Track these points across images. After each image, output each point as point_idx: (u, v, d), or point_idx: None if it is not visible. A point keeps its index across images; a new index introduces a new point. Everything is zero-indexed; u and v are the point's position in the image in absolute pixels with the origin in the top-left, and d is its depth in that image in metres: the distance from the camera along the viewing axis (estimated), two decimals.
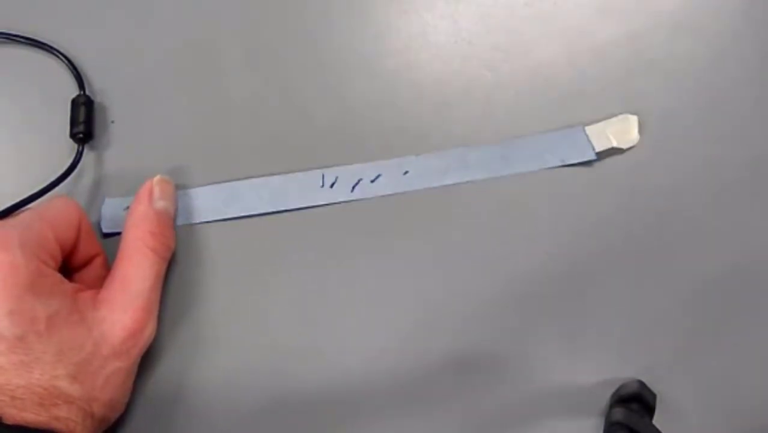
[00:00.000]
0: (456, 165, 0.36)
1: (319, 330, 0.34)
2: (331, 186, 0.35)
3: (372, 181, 0.36)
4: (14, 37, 0.37)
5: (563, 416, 0.33)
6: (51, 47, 0.37)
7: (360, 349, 0.34)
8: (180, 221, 0.35)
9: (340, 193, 0.35)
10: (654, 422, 0.31)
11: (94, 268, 0.34)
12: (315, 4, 0.38)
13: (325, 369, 0.34)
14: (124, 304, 0.31)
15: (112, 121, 0.37)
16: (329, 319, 0.34)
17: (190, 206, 0.36)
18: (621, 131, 0.36)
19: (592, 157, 0.35)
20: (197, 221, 0.35)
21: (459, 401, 0.33)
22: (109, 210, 0.35)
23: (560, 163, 0.36)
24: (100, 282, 0.32)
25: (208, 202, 0.36)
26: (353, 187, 0.36)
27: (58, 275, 0.31)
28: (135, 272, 0.32)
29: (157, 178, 0.34)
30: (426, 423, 0.33)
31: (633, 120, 0.36)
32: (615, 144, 0.35)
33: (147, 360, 0.33)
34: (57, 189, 0.34)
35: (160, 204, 0.33)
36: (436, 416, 0.33)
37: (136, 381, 0.33)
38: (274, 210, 0.35)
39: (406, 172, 0.36)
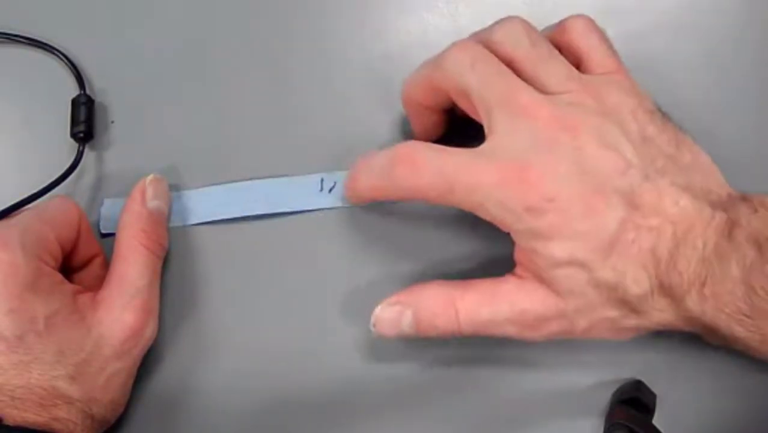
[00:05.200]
0: None
1: (317, 333, 0.34)
2: (330, 191, 0.35)
3: None
4: (14, 37, 0.37)
5: (563, 416, 0.33)
6: (51, 47, 0.37)
7: (359, 350, 0.34)
8: (178, 223, 0.35)
9: (339, 198, 0.35)
10: (654, 422, 0.31)
11: (94, 268, 0.34)
12: (314, 5, 0.38)
13: (324, 371, 0.34)
14: (122, 303, 0.31)
15: (112, 121, 0.37)
16: (328, 322, 0.34)
17: (189, 208, 0.35)
18: None
19: None
20: (195, 223, 0.35)
21: (458, 401, 0.33)
22: (108, 210, 0.35)
23: None
24: (99, 282, 0.32)
25: (206, 204, 0.35)
26: None
27: (59, 275, 0.31)
28: (131, 270, 0.32)
29: (150, 177, 0.34)
30: (426, 423, 0.33)
31: None
32: None
33: (147, 362, 0.33)
34: (57, 189, 0.34)
35: (154, 203, 0.33)
36: (435, 417, 0.33)
37: (137, 383, 0.33)
38: (273, 213, 0.35)
39: None
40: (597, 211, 0.27)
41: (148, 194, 0.33)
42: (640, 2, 0.38)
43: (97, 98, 0.37)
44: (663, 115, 0.30)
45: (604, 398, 0.33)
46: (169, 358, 0.34)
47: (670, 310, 0.28)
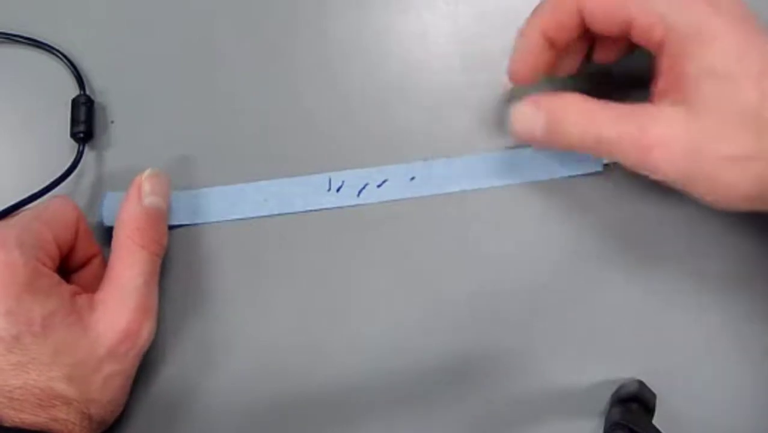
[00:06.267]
0: (464, 173, 0.35)
1: (322, 332, 0.34)
2: (338, 190, 0.35)
3: (378, 186, 0.35)
4: (14, 37, 0.37)
5: (563, 416, 0.33)
6: (51, 47, 0.37)
7: (362, 350, 0.34)
8: (185, 221, 0.35)
9: (347, 198, 0.35)
10: (654, 422, 0.31)
11: (92, 269, 0.34)
12: (315, 5, 0.38)
13: (327, 370, 0.34)
14: (118, 304, 0.31)
15: (112, 121, 0.37)
16: (333, 321, 0.34)
17: (195, 207, 0.35)
18: None
19: (599, 169, 0.35)
20: (202, 222, 0.35)
21: (459, 400, 0.33)
22: (111, 203, 0.35)
23: (568, 174, 0.35)
24: (98, 283, 0.32)
25: (213, 204, 0.35)
26: (359, 192, 0.35)
27: (56, 276, 0.31)
28: (126, 270, 0.31)
29: (147, 172, 0.33)
30: (426, 423, 0.33)
31: None
32: None
33: (148, 362, 0.33)
34: (57, 189, 0.34)
35: (150, 200, 0.32)
36: (436, 416, 0.33)
37: (138, 383, 0.33)
38: (280, 213, 0.35)
39: (412, 178, 0.35)
40: (758, 40, 0.27)
41: (145, 190, 0.32)
42: None
43: (97, 98, 0.37)
44: None
45: (604, 398, 0.33)
46: (170, 358, 0.34)
47: None
